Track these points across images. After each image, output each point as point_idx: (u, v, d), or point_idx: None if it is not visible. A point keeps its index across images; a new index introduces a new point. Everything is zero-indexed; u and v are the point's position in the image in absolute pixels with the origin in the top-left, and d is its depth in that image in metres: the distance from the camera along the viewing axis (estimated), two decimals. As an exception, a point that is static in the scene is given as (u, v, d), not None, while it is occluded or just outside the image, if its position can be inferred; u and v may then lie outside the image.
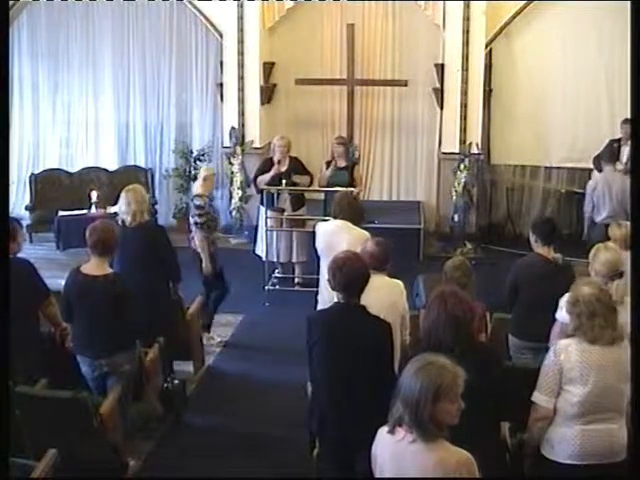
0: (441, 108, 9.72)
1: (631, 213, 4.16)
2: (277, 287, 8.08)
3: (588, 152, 9.01)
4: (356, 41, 9.87)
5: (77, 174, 10.39)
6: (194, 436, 5.38)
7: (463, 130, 9.53)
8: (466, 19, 9.30)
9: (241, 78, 9.84)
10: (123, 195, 5.79)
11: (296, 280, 8.22)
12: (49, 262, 8.01)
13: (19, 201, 10.55)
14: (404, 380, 2.85)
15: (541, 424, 3.75)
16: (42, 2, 10.47)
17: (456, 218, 9.58)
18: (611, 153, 8.30)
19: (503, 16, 9.55)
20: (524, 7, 9.51)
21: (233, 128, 9.88)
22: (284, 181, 7.81)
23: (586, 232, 8.28)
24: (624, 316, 3.82)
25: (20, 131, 10.86)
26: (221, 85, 10.06)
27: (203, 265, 6.71)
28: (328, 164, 8.27)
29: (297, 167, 8.00)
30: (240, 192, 9.78)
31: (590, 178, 8.62)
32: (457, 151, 9.53)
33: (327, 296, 4.93)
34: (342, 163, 8.23)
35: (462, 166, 9.43)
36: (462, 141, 9.52)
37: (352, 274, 3.90)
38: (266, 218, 7.90)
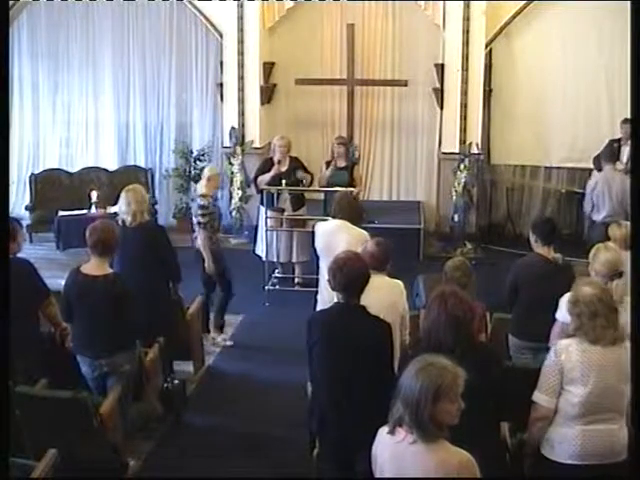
0: (441, 108, 9.72)
1: (631, 213, 4.16)
2: (277, 287, 8.09)
3: (588, 152, 9.01)
4: (356, 41, 9.87)
5: (77, 174, 10.39)
6: (194, 436, 5.38)
7: (463, 130, 9.53)
8: (466, 19, 9.30)
9: (241, 78, 9.84)
10: (123, 195, 5.79)
11: (296, 280, 8.22)
12: (49, 262, 8.01)
13: (19, 201, 10.55)
14: (404, 380, 2.85)
15: (541, 424, 3.75)
16: (42, 2, 10.47)
17: (456, 218, 9.58)
18: (611, 153, 8.30)
19: (503, 16, 9.55)
20: (524, 7, 9.51)
21: (233, 128, 9.88)
22: (284, 181, 7.81)
23: (587, 232, 8.28)
24: (624, 316, 3.82)
25: (20, 131, 10.86)
26: (221, 85, 10.07)
27: (206, 265, 6.71)
28: (328, 164, 8.27)
29: (297, 167, 8.01)
30: (240, 192, 9.79)
31: (590, 178, 8.62)
32: (457, 151, 9.53)
33: (327, 296, 4.93)
34: (342, 163, 8.24)
35: (462, 166, 9.43)
36: (462, 141, 9.52)
37: (352, 274, 3.90)
38: (266, 218, 7.90)
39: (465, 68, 9.40)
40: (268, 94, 10.18)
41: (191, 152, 10.35)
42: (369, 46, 10.09)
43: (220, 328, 6.99)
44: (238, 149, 9.83)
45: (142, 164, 10.65)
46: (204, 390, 6.13)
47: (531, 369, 4.14)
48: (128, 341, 4.85)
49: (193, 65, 10.44)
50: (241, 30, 9.70)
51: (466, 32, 9.33)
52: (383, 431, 2.96)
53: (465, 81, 9.43)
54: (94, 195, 9.34)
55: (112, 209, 8.53)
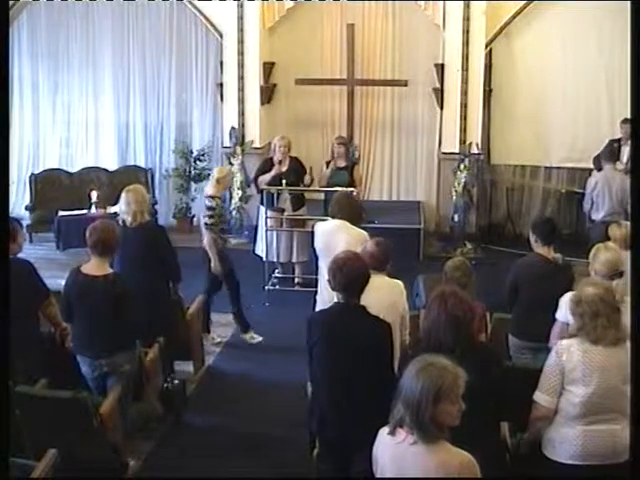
0: (441, 108, 9.72)
1: (631, 213, 4.16)
2: (277, 287, 8.09)
3: (588, 152, 9.01)
4: (356, 41, 9.86)
5: (77, 174, 10.40)
6: (194, 436, 5.38)
7: (463, 130, 9.53)
8: (466, 19, 9.30)
9: (241, 78, 9.84)
10: (123, 195, 5.79)
11: (296, 280, 8.22)
12: (49, 262, 8.01)
13: (19, 201, 10.55)
14: (405, 381, 2.84)
15: (541, 423, 3.76)
16: (42, 2, 10.47)
17: (456, 218, 9.58)
18: (611, 152, 8.30)
19: (503, 16, 9.55)
20: (524, 7, 9.52)
21: (233, 128, 9.88)
22: (284, 181, 7.81)
23: (587, 232, 8.29)
24: (624, 316, 3.82)
25: (20, 131, 10.86)
26: (221, 85, 10.07)
27: (212, 265, 6.72)
28: (328, 164, 8.28)
29: (297, 167, 8.01)
30: (240, 192, 9.78)
31: (590, 178, 8.61)
32: (457, 151, 9.53)
33: (327, 296, 4.92)
34: (342, 163, 8.24)
35: (462, 166, 9.43)
36: (462, 141, 9.52)
37: (352, 274, 3.90)
38: (266, 218, 7.90)
39: (465, 68, 9.40)
40: (268, 94, 10.18)
41: (191, 152, 10.36)
42: (369, 46, 10.09)
43: (245, 330, 7.01)
44: (238, 149, 9.83)
45: (142, 164, 10.65)
46: (204, 390, 6.13)
47: (531, 369, 4.15)
48: (128, 341, 4.85)
49: (193, 65, 10.45)
50: (241, 30, 9.70)
51: (466, 32, 9.33)
52: (384, 432, 2.96)
53: (465, 81, 9.43)
54: (94, 195, 9.34)
55: (112, 209, 8.53)
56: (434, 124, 10.02)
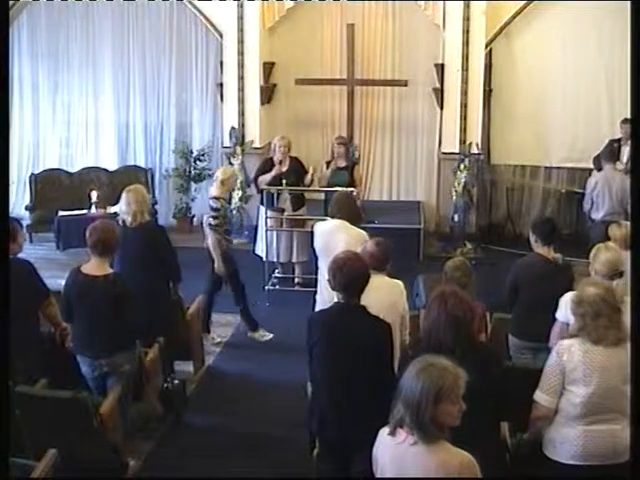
0: (441, 108, 9.72)
1: (631, 213, 4.16)
2: (277, 287, 8.09)
3: (588, 152, 9.01)
4: (356, 41, 9.86)
5: (77, 174, 10.40)
6: (194, 436, 5.38)
7: (463, 130, 9.53)
8: (466, 19, 9.30)
9: (241, 78, 9.84)
10: (124, 195, 5.79)
11: (296, 280, 8.21)
12: (49, 262, 8.01)
13: (19, 201, 10.55)
14: (405, 381, 2.84)
15: (541, 423, 3.76)
16: (42, 2, 10.47)
17: (456, 218, 9.58)
18: (611, 153, 8.30)
19: (503, 16, 9.55)
20: (524, 7, 9.51)
21: (233, 128, 9.88)
22: (284, 181, 7.81)
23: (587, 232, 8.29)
24: (624, 316, 3.82)
25: (20, 131, 10.86)
26: (221, 85, 10.06)
27: (216, 266, 6.72)
28: (328, 164, 8.28)
29: (297, 167, 8.01)
30: (240, 192, 9.78)
31: (590, 178, 8.61)
32: (457, 151, 9.53)
33: (327, 296, 4.93)
34: (342, 163, 8.24)
35: (462, 166, 9.43)
36: (462, 141, 9.52)
37: (352, 274, 3.90)
38: (266, 218, 7.90)
39: (465, 68, 9.40)
40: (268, 94, 10.18)
41: (191, 152, 10.36)
42: (369, 46, 10.08)
43: (254, 329, 7.02)
44: (238, 149, 9.83)
45: (142, 164, 10.65)
46: (204, 390, 6.13)
47: (531, 369, 4.15)
48: (128, 341, 4.85)
49: (193, 65, 10.45)
50: (241, 30, 9.70)
51: (466, 32, 9.32)
52: (384, 432, 2.96)
53: (465, 81, 9.43)
54: (94, 195, 9.34)
55: (112, 209, 8.53)
56: (434, 124, 10.02)
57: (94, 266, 4.75)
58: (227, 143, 9.98)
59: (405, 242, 8.39)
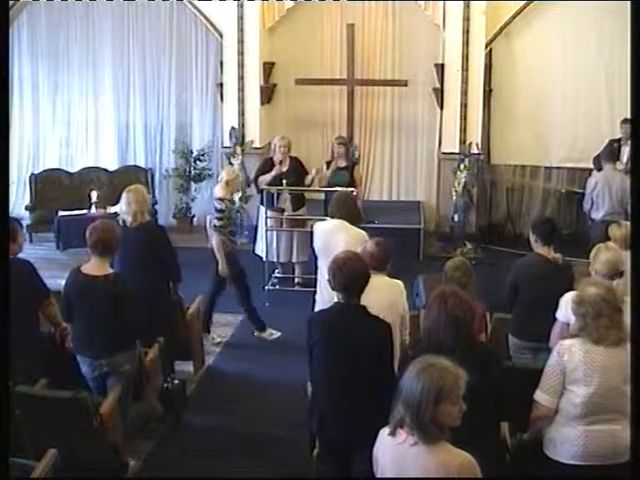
0: (441, 108, 9.72)
1: (631, 213, 4.16)
2: (277, 287, 8.08)
3: (588, 152, 9.01)
4: (356, 41, 9.86)
5: (77, 174, 10.40)
6: (194, 436, 5.38)
7: (463, 130, 9.53)
8: (466, 19, 9.30)
9: (241, 78, 9.84)
10: (124, 195, 5.79)
11: (296, 280, 8.21)
12: (49, 262, 8.01)
13: (19, 201, 10.56)
14: (405, 382, 2.84)
15: (541, 423, 3.77)
16: (42, 2, 10.47)
17: (456, 218, 9.58)
18: (611, 153, 8.31)
19: (503, 16, 9.55)
20: (524, 7, 9.52)
21: (233, 128, 9.88)
22: (284, 181, 7.81)
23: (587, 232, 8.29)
24: (624, 316, 3.82)
25: (20, 131, 10.86)
26: (221, 85, 10.07)
27: (220, 267, 6.72)
28: (328, 164, 8.28)
29: (298, 167, 8.01)
30: (240, 192, 9.78)
31: (590, 178, 8.61)
32: (457, 151, 9.53)
33: (327, 296, 4.92)
34: (342, 163, 8.25)
35: (462, 166, 9.43)
36: (462, 141, 9.52)
37: (352, 274, 3.89)
38: (266, 218, 7.90)
39: (465, 68, 9.40)
40: (268, 94, 10.18)
41: (191, 152, 10.36)
42: (369, 46, 10.09)
43: (261, 329, 7.02)
44: (238, 149, 9.83)
45: (142, 164, 10.65)
46: (204, 390, 6.13)
47: (531, 369, 4.15)
48: (128, 341, 4.84)
49: (193, 65, 10.45)
50: (241, 30, 9.70)
51: (466, 32, 9.33)
52: (384, 432, 2.96)
53: (465, 81, 9.44)
54: (94, 195, 9.34)
55: (112, 209, 8.53)
56: (434, 124, 10.02)
57: (94, 266, 4.74)
58: (227, 143, 9.98)
59: (405, 242, 8.39)
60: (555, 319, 4.55)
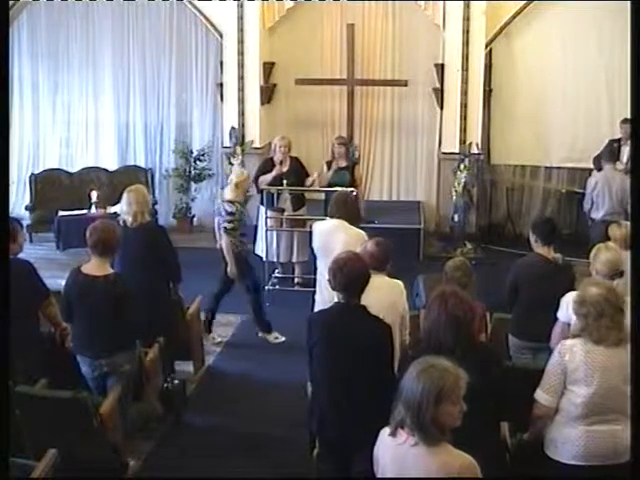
0: (441, 108, 9.72)
1: (631, 213, 4.16)
2: (277, 287, 8.08)
3: (588, 152, 9.01)
4: (356, 41, 9.86)
5: (77, 174, 10.40)
6: (194, 436, 5.38)
7: (463, 130, 9.53)
8: (466, 19, 9.30)
9: (241, 78, 9.83)
10: (125, 195, 5.79)
11: (296, 280, 8.22)
12: (49, 262, 8.02)
13: (19, 201, 10.56)
14: (406, 382, 2.84)
15: (541, 422, 3.77)
16: (42, 2, 10.47)
17: (456, 218, 9.58)
18: (611, 153, 8.31)
19: (503, 16, 9.55)
20: (524, 7, 9.52)
21: (233, 128, 9.88)
22: (285, 181, 7.81)
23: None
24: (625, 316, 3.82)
25: (20, 131, 10.86)
26: (221, 85, 10.06)
27: (228, 269, 6.72)
28: (328, 164, 8.28)
29: (298, 167, 8.01)
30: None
31: (590, 178, 8.61)
32: (457, 151, 9.53)
33: (327, 296, 4.92)
34: (342, 163, 8.25)
35: (462, 166, 9.43)
36: (462, 141, 9.52)
37: (352, 274, 3.89)
38: (266, 218, 7.90)
39: (465, 68, 9.40)
40: (268, 94, 10.18)
41: (191, 152, 10.37)
42: (369, 46, 10.09)
43: (267, 330, 6.99)
44: (238, 149, 9.83)
45: (142, 164, 10.65)
46: (204, 390, 6.13)
47: (531, 369, 4.15)
48: (128, 341, 4.84)
49: (193, 65, 10.45)
50: (241, 30, 9.70)
51: (466, 32, 9.33)
52: (385, 433, 2.95)
53: (465, 81, 9.43)
54: (94, 195, 9.34)
55: (112, 209, 8.53)
56: (434, 124, 10.02)
57: (94, 266, 4.74)
58: (227, 143, 9.97)
59: (405, 242, 8.39)
60: (555, 319, 4.55)
